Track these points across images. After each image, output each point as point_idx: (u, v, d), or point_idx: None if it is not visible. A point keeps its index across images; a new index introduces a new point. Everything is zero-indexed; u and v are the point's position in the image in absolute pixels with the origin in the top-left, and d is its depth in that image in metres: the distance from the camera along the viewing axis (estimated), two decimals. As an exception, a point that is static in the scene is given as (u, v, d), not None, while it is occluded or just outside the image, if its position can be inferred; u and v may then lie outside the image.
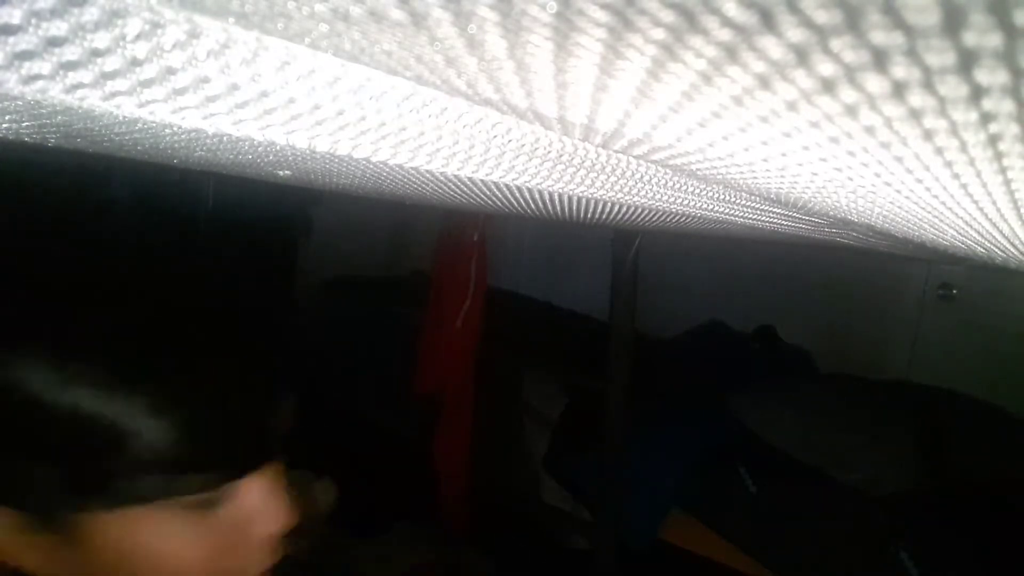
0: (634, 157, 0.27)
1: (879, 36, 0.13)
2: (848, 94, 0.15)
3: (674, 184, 0.34)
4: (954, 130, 0.16)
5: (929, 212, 0.26)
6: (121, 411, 0.41)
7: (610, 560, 1.81)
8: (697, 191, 0.36)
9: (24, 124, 0.31)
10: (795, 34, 0.13)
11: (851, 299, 2.65)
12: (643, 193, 0.37)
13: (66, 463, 0.42)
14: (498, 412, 2.30)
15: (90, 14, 0.18)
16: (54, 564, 0.45)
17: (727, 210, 0.42)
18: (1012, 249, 0.31)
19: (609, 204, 0.44)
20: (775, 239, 0.63)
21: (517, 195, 0.44)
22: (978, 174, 0.19)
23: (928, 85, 0.14)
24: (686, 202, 0.40)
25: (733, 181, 0.28)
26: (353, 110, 0.24)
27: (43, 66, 0.20)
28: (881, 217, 0.29)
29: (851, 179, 0.22)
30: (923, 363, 2.52)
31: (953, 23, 0.12)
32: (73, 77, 0.21)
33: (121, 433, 0.41)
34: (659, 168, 0.29)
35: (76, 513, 0.44)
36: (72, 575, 0.45)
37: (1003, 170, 0.19)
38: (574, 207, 0.48)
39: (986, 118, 0.15)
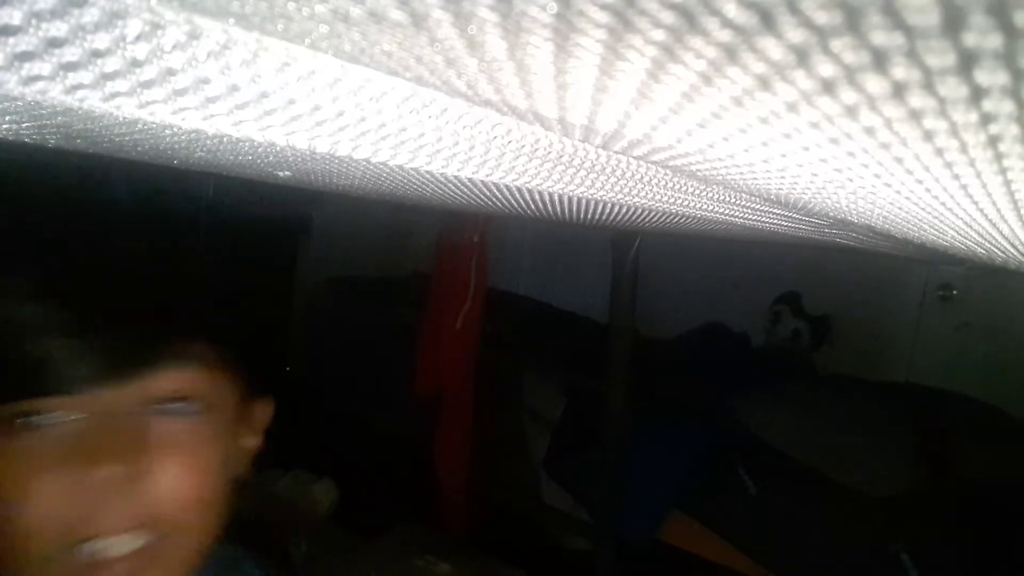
0: (634, 158, 0.27)
1: (879, 37, 0.13)
2: (848, 95, 0.15)
3: (674, 185, 0.34)
4: (954, 131, 0.16)
5: (929, 213, 0.26)
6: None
7: (610, 561, 1.81)
8: (697, 192, 0.36)
9: (24, 125, 0.31)
10: (795, 35, 0.13)
11: (851, 300, 2.65)
12: (643, 194, 0.37)
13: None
14: (498, 412, 2.30)
15: (90, 15, 0.18)
16: None
17: (727, 211, 0.42)
18: (1012, 249, 0.31)
19: (609, 205, 0.44)
20: (775, 240, 0.63)
21: (517, 196, 0.44)
22: (978, 175, 0.19)
23: (928, 86, 0.14)
24: (686, 203, 0.40)
25: (733, 182, 0.28)
26: (353, 111, 0.24)
27: (43, 67, 0.20)
28: (881, 218, 0.29)
29: (851, 180, 0.22)
30: (923, 364, 2.52)
31: (953, 24, 0.12)
32: (73, 78, 0.21)
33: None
34: (659, 169, 0.29)
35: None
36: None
37: (1003, 171, 0.19)
38: (574, 208, 0.48)
39: (986, 119, 0.15)
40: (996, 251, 0.33)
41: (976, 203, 0.23)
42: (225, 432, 0.50)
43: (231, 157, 0.36)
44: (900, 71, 0.14)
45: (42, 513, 0.43)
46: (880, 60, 0.13)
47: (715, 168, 0.25)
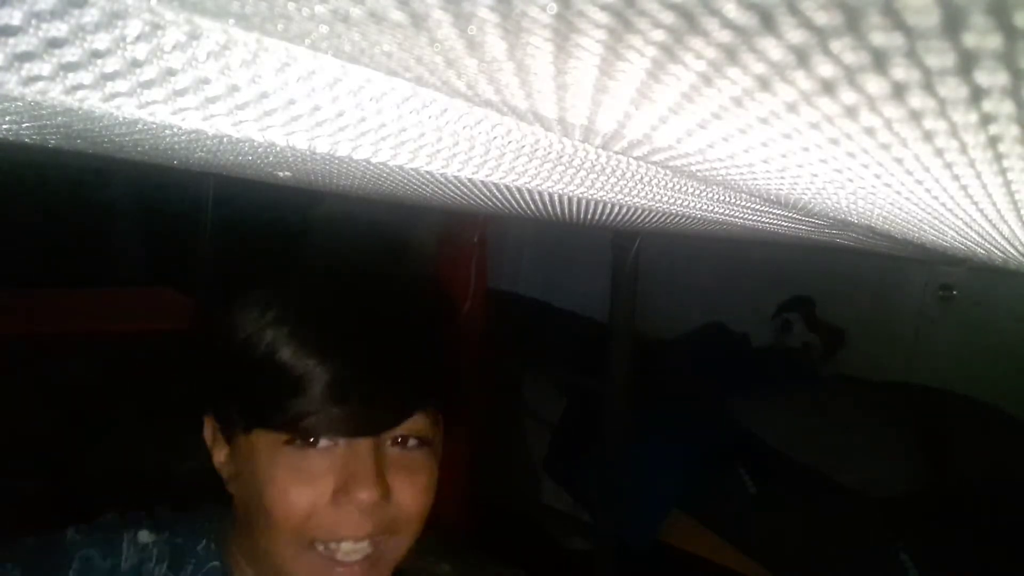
0: (634, 158, 0.27)
1: (879, 37, 0.13)
2: (848, 95, 0.15)
3: (674, 185, 0.34)
4: (954, 131, 0.16)
5: (929, 213, 0.26)
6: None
7: (610, 561, 1.81)
8: (697, 192, 0.36)
9: (24, 125, 0.31)
10: (795, 35, 0.13)
11: (851, 301, 2.65)
12: (643, 194, 0.37)
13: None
14: (498, 412, 2.30)
15: (90, 15, 0.18)
16: (227, 466, 0.60)
17: (727, 211, 0.42)
18: (1012, 250, 0.31)
19: (609, 205, 0.44)
20: (775, 240, 0.63)
21: (517, 196, 0.44)
22: (978, 175, 0.19)
23: (928, 86, 0.14)
24: (686, 203, 0.40)
25: (733, 182, 0.28)
26: (353, 111, 0.24)
27: (43, 67, 0.20)
28: (881, 218, 0.29)
29: (851, 180, 0.22)
30: (923, 364, 2.52)
31: (953, 24, 0.12)
32: (73, 78, 0.21)
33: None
34: (659, 169, 0.29)
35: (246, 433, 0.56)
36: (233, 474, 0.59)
37: (1003, 171, 0.19)
38: (574, 208, 0.48)
39: (986, 119, 0.15)
40: (996, 251, 0.33)
41: (976, 203, 0.23)
42: (436, 462, 0.62)
43: (231, 157, 0.37)
44: (900, 72, 0.14)
45: (300, 513, 0.54)
46: (880, 61, 0.13)
47: (715, 168, 0.25)
